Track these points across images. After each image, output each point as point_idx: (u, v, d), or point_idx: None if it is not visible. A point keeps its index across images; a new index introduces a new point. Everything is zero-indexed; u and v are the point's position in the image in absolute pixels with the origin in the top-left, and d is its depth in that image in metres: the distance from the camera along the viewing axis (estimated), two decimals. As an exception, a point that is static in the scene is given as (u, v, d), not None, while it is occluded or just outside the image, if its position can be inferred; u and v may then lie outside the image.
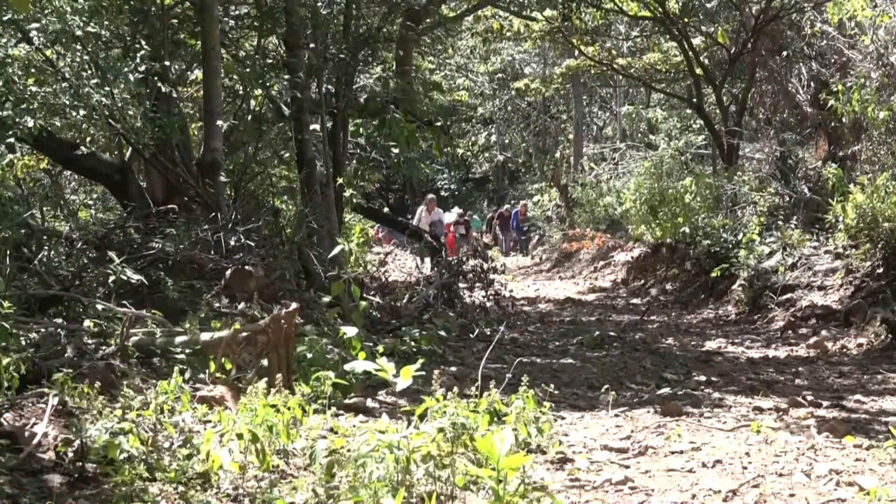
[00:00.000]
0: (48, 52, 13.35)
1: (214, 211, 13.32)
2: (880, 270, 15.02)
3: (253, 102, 17.98)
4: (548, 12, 25.75)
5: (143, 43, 14.11)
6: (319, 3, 16.54)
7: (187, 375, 7.40)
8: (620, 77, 33.08)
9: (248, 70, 16.08)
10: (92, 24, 13.27)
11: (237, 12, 18.80)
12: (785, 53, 21.83)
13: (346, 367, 6.11)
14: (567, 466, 5.88)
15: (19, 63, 12.51)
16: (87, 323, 8.55)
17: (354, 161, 24.49)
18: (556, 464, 5.93)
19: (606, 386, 8.54)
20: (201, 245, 12.56)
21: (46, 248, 11.53)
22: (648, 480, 5.56)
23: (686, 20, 23.12)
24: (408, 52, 21.24)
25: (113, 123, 13.74)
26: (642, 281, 24.14)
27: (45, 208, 17.97)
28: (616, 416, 7.67)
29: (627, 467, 5.88)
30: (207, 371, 7.73)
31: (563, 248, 31.29)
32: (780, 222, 18.85)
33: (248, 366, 8.03)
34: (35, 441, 5.30)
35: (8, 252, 10.37)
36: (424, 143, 19.91)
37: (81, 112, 12.82)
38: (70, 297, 9.90)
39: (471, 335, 14.30)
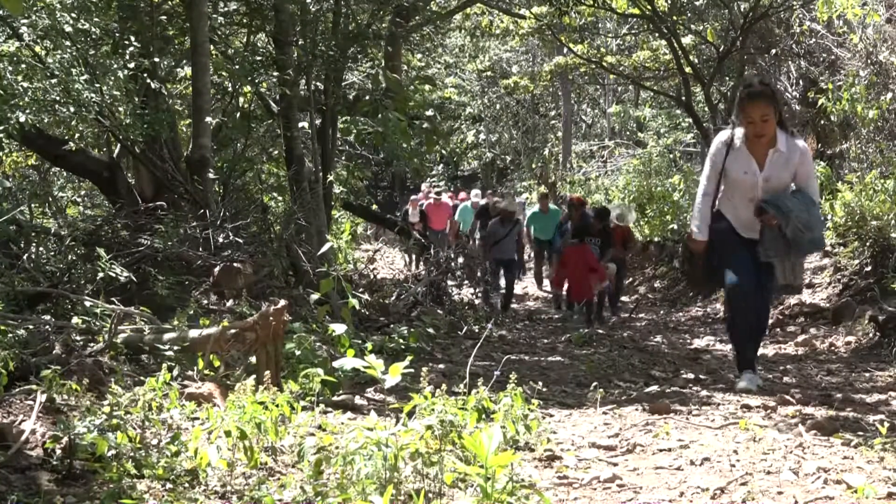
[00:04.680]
0: (37, 48, 13.34)
1: (203, 208, 13.31)
2: (868, 269, 15.05)
3: (242, 99, 18.00)
4: (536, 9, 25.75)
5: (132, 39, 14.11)
6: (309, 0, 16.54)
7: (175, 372, 7.38)
8: (610, 75, 33.08)
9: (237, 67, 16.09)
10: (81, 20, 13.28)
11: (226, 9, 18.79)
12: (773, 51, 21.87)
13: (335, 364, 6.09)
14: (555, 464, 5.87)
15: (8, 59, 12.50)
16: (75, 320, 8.54)
17: (343, 158, 24.48)
18: (544, 461, 5.93)
19: (595, 383, 8.53)
20: (190, 242, 12.55)
21: (35, 244, 11.52)
22: (636, 478, 5.56)
23: (675, 18, 23.15)
24: (397, 49, 21.26)
25: (102, 120, 13.74)
26: (630, 279, 24.18)
27: (33, 205, 17.92)
28: (604, 413, 7.66)
29: (615, 465, 5.87)
30: (196, 368, 7.72)
31: (552, 246, 31.28)
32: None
33: (236, 363, 8.03)
34: (23, 438, 5.29)
35: (-4, 248, 10.38)
36: (415, 140, 19.91)
37: (70, 108, 12.82)
38: (58, 293, 9.89)
39: (459, 332, 14.31)
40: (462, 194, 32.86)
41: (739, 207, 9.01)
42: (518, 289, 23.87)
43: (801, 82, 21.72)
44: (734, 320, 9.47)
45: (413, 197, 30.23)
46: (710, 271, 9.47)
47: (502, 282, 19.72)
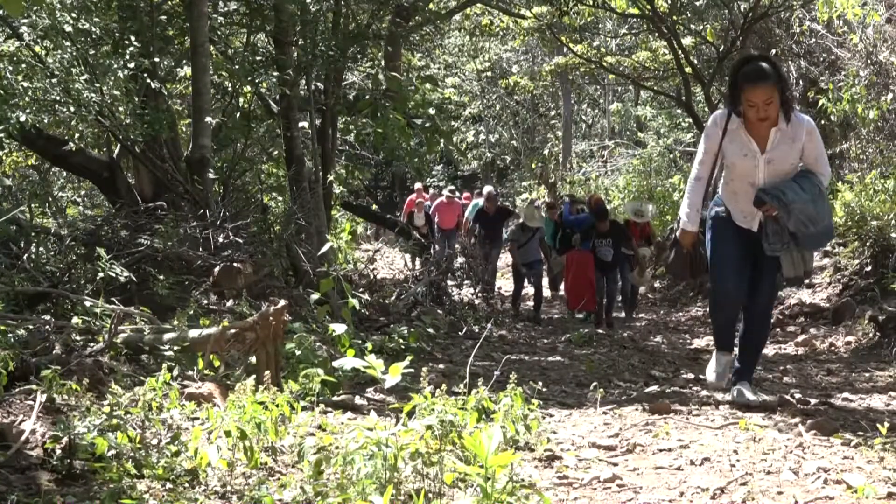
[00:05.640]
0: (37, 48, 13.34)
1: (203, 208, 13.32)
2: (868, 268, 15.06)
3: (242, 99, 17.99)
4: (536, 9, 25.75)
5: (132, 39, 14.10)
6: (309, 0, 16.54)
7: (175, 372, 7.38)
8: (609, 75, 33.05)
9: (236, 67, 16.09)
10: (81, 20, 13.28)
11: (226, 9, 18.79)
12: (774, 52, 21.84)
13: (335, 364, 6.09)
14: (555, 464, 5.87)
15: (8, 59, 12.50)
16: (75, 320, 8.53)
17: (343, 158, 24.46)
18: (544, 461, 5.92)
19: (595, 383, 8.51)
20: (190, 242, 12.55)
21: (35, 244, 11.52)
22: (636, 478, 5.56)
23: (675, 18, 23.13)
24: (397, 49, 21.25)
25: (102, 120, 13.73)
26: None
27: (33, 205, 17.92)
28: (604, 413, 7.66)
29: (615, 465, 5.87)
30: (196, 368, 7.72)
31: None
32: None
33: (236, 363, 8.03)
34: (23, 438, 5.29)
35: (-4, 248, 10.39)
36: (415, 140, 19.88)
37: (70, 108, 12.82)
38: (58, 293, 9.89)
39: (459, 332, 14.31)
40: (466, 194, 32.24)
41: (739, 194, 7.97)
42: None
43: (801, 82, 21.72)
44: (714, 317, 8.52)
45: (410, 198, 29.43)
46: (695, 262, 8.38)
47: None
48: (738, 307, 8.17)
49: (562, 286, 21.38)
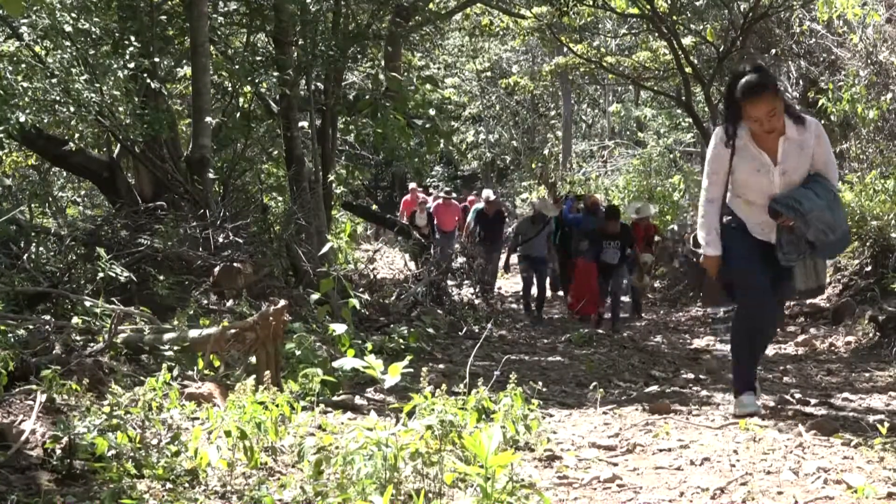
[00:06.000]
0: (37, 48, 13.34)
1: (203, 208, 13.31)
2: (868, 269, 15.06)
3: (242, 99, 17.98)
4: (536, 9, 25.72)
5: (132, 39, 14.10)
6: (309, 0, 16.54)
7: (175, 372, 7.37)
8: (609, 75, 33.01)
9: (236, 67, 16.08)
10: (81, 20, 13.27)
11: (226, 9, 18.79)
12: (774, 51, 21.85)
13: (335, 364, 6.09)
14: (555, 464, 5.86)
15: (8, 59, 12.50)
16: (75, 320, 8.53)
17: (343, 158, 24.44)
18: (544, 461, 5.92)
19: (595, 383, 8.50)
20: (190, 242, 12.55)
21: (35, 244, 11.51)
22: (636, 478, 5.55)
23: (675, 18, 23.11)
24: (397, 49, 21.25)
25: (102, 120, 13.73)
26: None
27: (33, 205, 17.92)
28: (604, 413, 7.65)
29: (615, 465, 5.86)
30: (196, 368, 7.72)
31: (552, 246, 31.18)
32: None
33: (236, 363, 8.03)
34: (23, 438, 5.29)
35: (-4, 248, 10.38)
36: (415, 140, 19.85)
37: (70, 108, 12.82)
38: (58, 293, 9.89)
39: (459, 332, 14.32)
40: (471, 198, 31.94)
41: (753, 206, 7.51)
42: (519, 288, 23.77)
43: (801, 82, 21.73)
44: (744, 325, 7.69)
45: (406, 199, 29.24)
46: (727, 284, 8.25)
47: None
48: (769, 309, 7.62)
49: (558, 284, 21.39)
